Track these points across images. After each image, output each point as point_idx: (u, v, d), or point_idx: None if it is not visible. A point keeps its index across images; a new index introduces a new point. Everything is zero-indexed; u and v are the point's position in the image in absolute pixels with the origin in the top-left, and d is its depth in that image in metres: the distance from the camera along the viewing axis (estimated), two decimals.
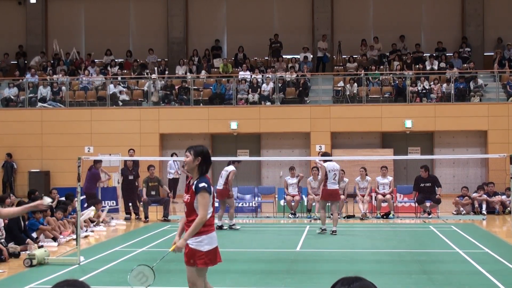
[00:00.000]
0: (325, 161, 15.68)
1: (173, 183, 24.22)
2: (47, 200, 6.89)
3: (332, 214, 16.25)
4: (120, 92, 27.57)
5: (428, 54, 29.01)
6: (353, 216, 19.13)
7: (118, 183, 20.54)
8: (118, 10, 32.02)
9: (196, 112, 26.36)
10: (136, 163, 20.14)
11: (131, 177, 19.31)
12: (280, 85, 26.94)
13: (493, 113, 25.02)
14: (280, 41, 29.81)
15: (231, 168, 16.50)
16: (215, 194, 16.96)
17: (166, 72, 28.89)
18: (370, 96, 26.73)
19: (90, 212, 16.89)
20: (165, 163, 25.54)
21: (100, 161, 19.37)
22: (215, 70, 29.55)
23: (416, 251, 13.16)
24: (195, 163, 6.72)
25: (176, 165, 24.24)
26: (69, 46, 31.02)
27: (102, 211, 17.88)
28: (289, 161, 22.79)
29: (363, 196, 19.19)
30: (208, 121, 26.04)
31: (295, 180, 19.46)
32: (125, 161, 19.57)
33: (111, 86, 27.34)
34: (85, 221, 16.32)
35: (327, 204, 16.12)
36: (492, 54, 29.25)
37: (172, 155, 24.46)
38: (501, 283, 9.71)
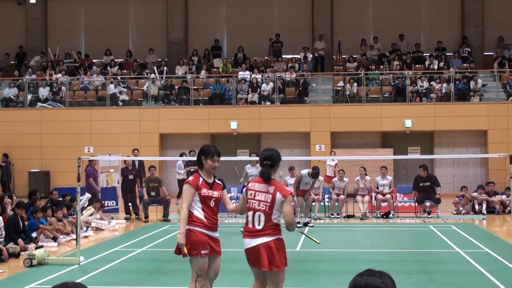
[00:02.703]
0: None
1: (182, 184, 23.82)
2: None
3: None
4: (120, 92, 27.57)
5: (428, 54, 29.02)
6: (353, 216, 19.12)
7: (118, 183, 20.51)
8: (118, 10, 32.02)
9: (196, 112, 26.36)
10: (140, 164, 20.13)
11: (131, 177, 19.32)
12: (279, 85, 26.94)
13: (493, 112, 25.03)
14: (281, 41, 29.80)
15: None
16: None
17: (165, 69, 28.79)
18: (370, 96, 26.73)
19: (90, 211, 16.86)
20: (165, 164, 25.50)
21: (96, 161, 19.42)
22: (215, 70, 29.54)
23: (416, 251, 13.16)
24: None
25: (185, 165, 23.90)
26: (69, 46, 31.04)
27: (110, 221, 17.70)
28: (289, 161, 22.74)
29: (363, 196, 19.19)
30: (208, 121, 26.05)
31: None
32: (125, 161, 19.56)
33: (111, 86, 27.34)
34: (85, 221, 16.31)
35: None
36: (492, 54, 29.25)
37: (181, 155, 24.06)
38: (501, 283, 9.71)
